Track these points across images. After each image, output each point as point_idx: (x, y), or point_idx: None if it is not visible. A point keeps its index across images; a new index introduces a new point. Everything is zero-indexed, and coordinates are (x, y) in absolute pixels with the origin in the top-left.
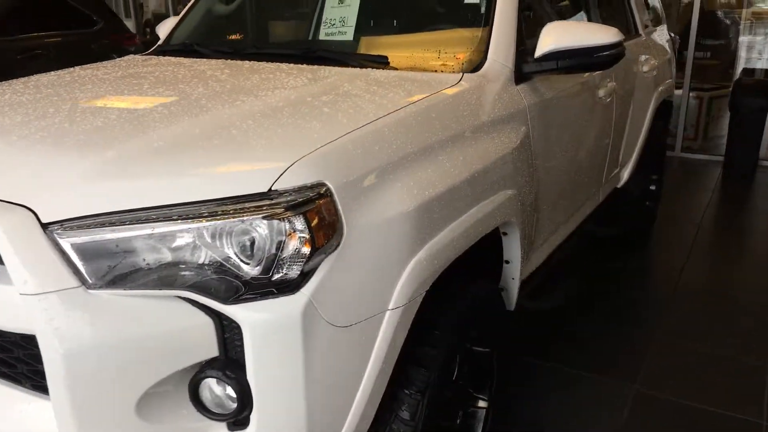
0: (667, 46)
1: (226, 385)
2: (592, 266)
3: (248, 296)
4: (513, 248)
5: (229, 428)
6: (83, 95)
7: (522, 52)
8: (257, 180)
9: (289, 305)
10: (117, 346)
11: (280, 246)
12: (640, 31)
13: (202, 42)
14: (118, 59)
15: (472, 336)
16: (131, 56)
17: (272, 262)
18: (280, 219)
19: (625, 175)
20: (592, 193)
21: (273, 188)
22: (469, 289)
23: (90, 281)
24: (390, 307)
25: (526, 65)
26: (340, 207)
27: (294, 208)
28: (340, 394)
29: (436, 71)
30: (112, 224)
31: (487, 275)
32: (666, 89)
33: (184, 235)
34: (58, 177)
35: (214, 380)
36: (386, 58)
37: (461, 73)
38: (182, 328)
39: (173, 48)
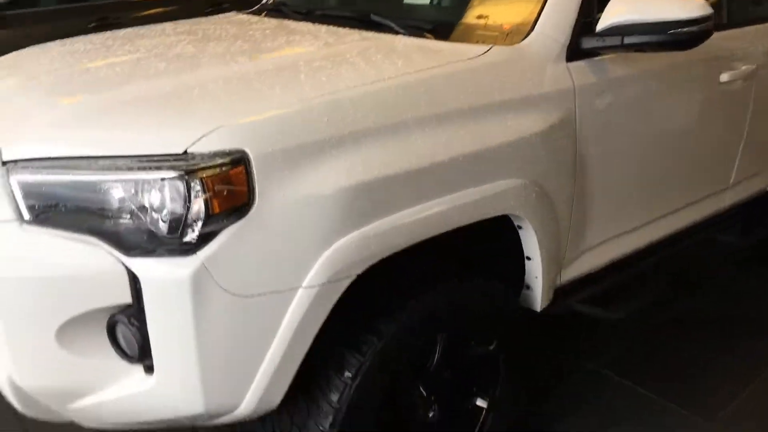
0: None
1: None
2: (714, 279)
3: (147, 252)
4: (531, 244)
5: (145, 371)
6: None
7: (587, 25)
8: (176, 141)
9: (182, 266)
10: (36, 279)
11: (179, 207)
12: None
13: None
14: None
15: (458, 330)
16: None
17: (170, 222)
18: (180, 180)
19: None
20: (702, 197)
21: (188, 151)
22: (449, 282)
23: (25, 217)
24: (303, 284)
25: (586, 40)
26: (255, 177)
27: (194, 172)
28: (240, 362)
29: (476, 42)
30: (49, 168)
31: (507, 271)
32: None
33: (102, 185)
34: (27, 122)
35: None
36: (434, 26)
37: (491, 45)
38: (97, 272)
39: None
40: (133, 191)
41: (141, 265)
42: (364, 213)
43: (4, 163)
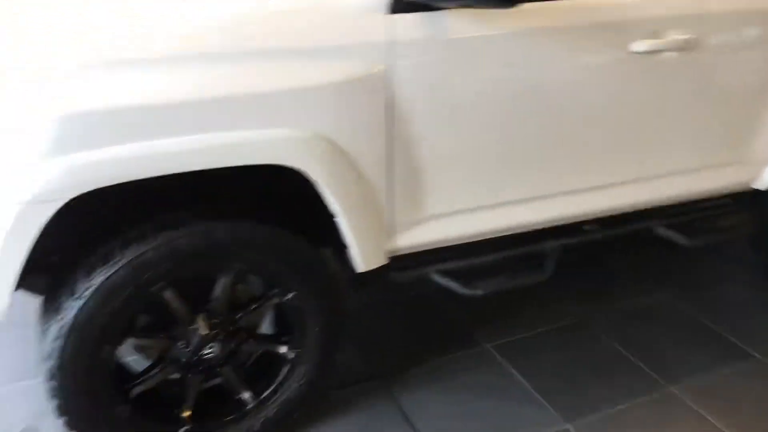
0: None
1: None
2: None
3: None
4: (331, 201)
5: None
6: None
7: None
8: None
9: None
10: None
11: None
12: None
13: None
14: None
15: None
16: None
17: None
18: None
19: None
20: (608, 184)
21: None
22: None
23: None
24: (14, 200)
25: None
26: None
27: None
28: None
29: None
30: None
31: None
32: None
33: None
34: None
35: None
36: None
37: None
38: None
39: None
40: None
41: None
42: (77, 140)
43: None
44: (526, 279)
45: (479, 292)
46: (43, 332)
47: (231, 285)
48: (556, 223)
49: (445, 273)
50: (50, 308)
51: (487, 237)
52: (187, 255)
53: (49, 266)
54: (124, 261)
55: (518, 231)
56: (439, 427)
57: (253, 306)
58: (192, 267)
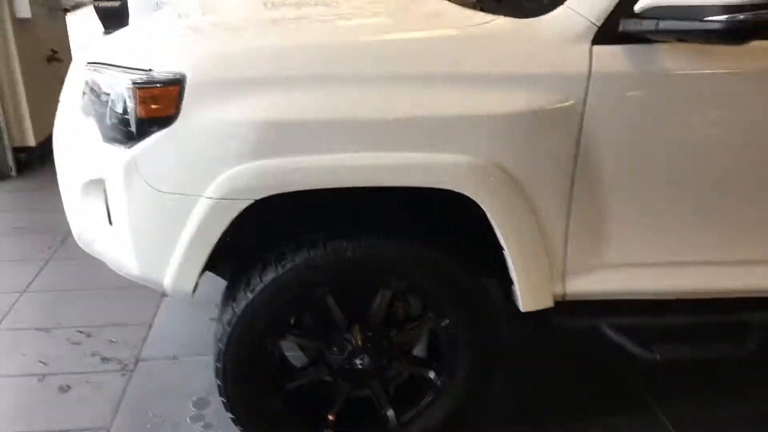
0: None
1: None
2: None
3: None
4: (499, 233)
5: None
6: None
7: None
8: (152, 62)
9: (122, 155)
10: None
11: (124, 108)
12: None
13: None
14: None
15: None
16: None
17: (120, 118)
18: (127, 89)
19: None
20: None
21: (149, 68)
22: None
23: None
24: (206, 195)
25: (625, 21)
26: (186, 96)
27: (137, 84)
28: (159, 243)
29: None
30: None
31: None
32: None
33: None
34: None
35: None
36: None
37: (498, 16)
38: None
39: None
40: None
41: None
42: (265, 147)
43: None
44: (715, 351)
45: (655, 355)
46: (220, 316)
47: (389, 302)
48: (755, 294)
49: (619, 328)
50: (229, 295)
51: (668, 297)
52: (351, 265)
53: (235, 257)
54: (293, 263)
55: (708, 296)
56: None
57: (408, 326)
58: (354, 278)
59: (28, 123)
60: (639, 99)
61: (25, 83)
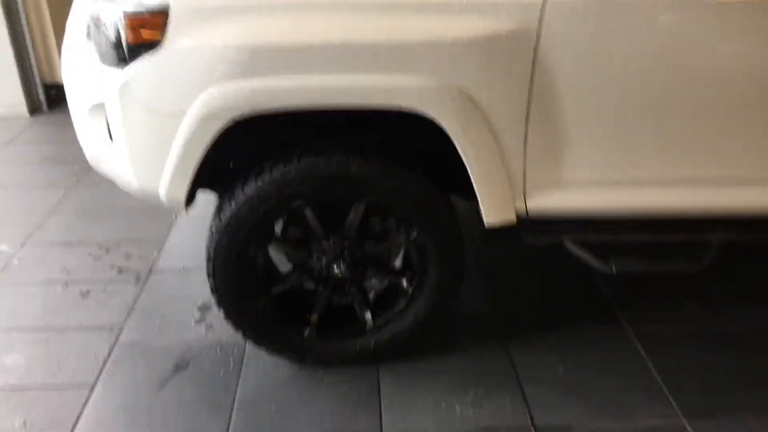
0: None
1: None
2: None
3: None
4: (461, 151)
5: None
6: None
7: None
8: None
9: (117, 78)
10: None
11: (117, 34)
12: None
13: None
14: None
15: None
16: None
17: (114, 43)
18: (119, 17)
19: None
20: None
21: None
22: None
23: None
24: (187, 113)
25: None
26: (170, 23)
27: (128, 12)
28: (152, 156)
29: None
30: None
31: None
32: None
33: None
34: None
35: None
36: None
37: None
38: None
39: None
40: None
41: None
42: (238, 70)
43: None
44: (671, 266)
45: (611, 268)
46: (210, 225)
47: (364, 216)
48: (715, 213)
49: (581, 243)
50: (218, 206)
51: (629, 216)
52: (323, 179)
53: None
54: (271, 176)
55: (668, 215)
56: (549, 398)
57: (382, 238)
58: (328, 192)
59: (57, 60)
60: (592, 22)
61: (53, 20)
